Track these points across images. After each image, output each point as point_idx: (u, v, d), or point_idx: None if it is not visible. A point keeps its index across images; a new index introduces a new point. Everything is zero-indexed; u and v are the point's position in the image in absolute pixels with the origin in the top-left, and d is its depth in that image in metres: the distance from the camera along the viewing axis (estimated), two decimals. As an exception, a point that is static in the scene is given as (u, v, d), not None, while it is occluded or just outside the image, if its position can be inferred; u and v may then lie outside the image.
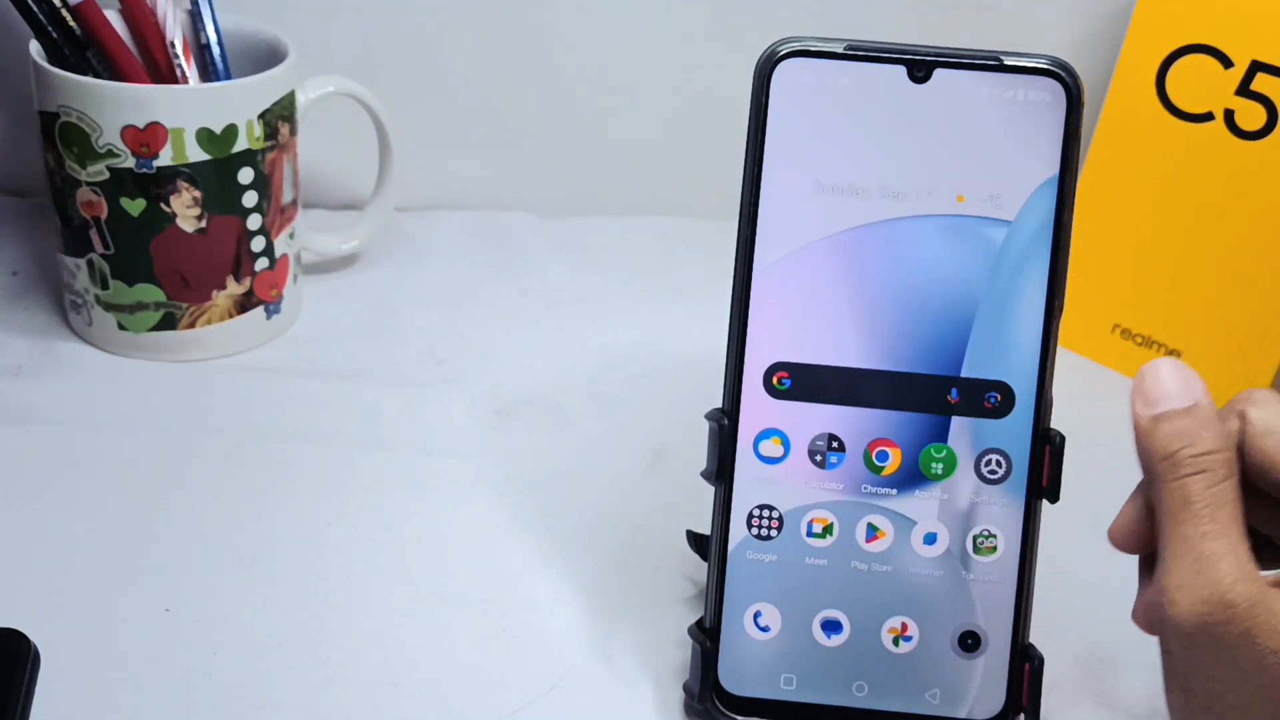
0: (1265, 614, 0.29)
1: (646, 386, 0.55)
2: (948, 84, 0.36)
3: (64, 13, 0.51)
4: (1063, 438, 0.36)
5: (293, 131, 0.53)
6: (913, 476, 0.37)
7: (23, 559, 0.42)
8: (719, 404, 0.37)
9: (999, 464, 0.37)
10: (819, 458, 0.37)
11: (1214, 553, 0.30)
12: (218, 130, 0.49)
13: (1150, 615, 0.32)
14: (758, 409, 0.37)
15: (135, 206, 0.50)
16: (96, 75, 0.51)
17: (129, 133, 0.48)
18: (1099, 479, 0.39)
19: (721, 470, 0.37)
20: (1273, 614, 0.29)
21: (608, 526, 0.46)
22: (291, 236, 0.55)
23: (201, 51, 0.53)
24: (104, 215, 0.50)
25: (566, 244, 0.66)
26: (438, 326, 0.58)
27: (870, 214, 0.36)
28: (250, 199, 0.51)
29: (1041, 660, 0.37)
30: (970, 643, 0.37)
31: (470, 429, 0.51)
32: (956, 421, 0.37)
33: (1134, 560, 0.35)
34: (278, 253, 0.54)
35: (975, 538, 0.37)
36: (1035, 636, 0.37)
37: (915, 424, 0.37)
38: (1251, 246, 0.54)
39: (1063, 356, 0.37)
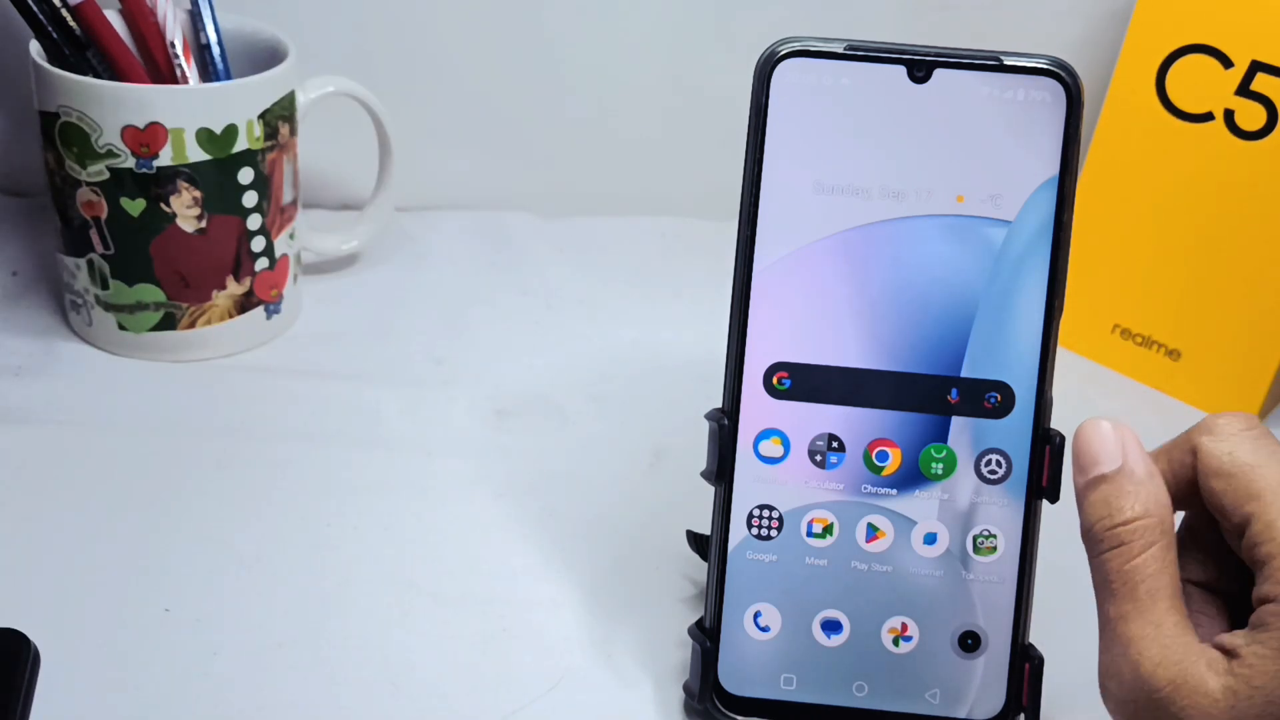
0: (1190, 697, 0.29)
1: (646, 386, 0.55)
2: (948, 84, 0.36)
3: (64, 13, 0.51)
4: (1063, 438, 0.36)
5: (293, 131, 0.53)
6: (913, 476, 0.37)
7: (23, 559, 0.42)
8: (719, 404, 0.37)
9: (999, 464, 0.37)
10: (819, 458, 0.37)
11: (1133, 636, 0.29)
12: (218, 130, 0.49)
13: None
14: (758, 409, 0.37)
15: (135, 206, 0.50)
16: (96, 75, 0.51)
17: (129, 133, 0.48)
18: (1099, 479, 0.39)
19: (721, 470, 0.37)
20: (1200, 695, 0.29)
21: (608, 526, 0.46)
22: (291, 236, 0.55)
23: (201, 51, 0.53)
24: (104, 215, 0.50)
25: (566, 244, 0.66)
26: (438, 326, 0.58)
27: (870, 214, 0.36)
28: (250, 199, 0.51)
29: (1041, 660, 0.37)
30: (970, 643, 0.37)
31: (470, 429, 0.51)
32: (956, 421, 0.37)
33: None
34: (278, 253, 0.54)
35: (975, 538, 0.37)
36: (1035, 636, 0.37)
37: (915, 424, 0.37)
38: (1251, 247, 0.54)
39: (1063, 356, 0.37)
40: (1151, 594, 0.30)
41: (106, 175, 0.49)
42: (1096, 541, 0.31)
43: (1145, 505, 0.30)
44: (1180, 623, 0.29)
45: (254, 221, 0.52)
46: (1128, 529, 0.30)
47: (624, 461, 0.50)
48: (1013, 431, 0.36)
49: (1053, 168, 0.36)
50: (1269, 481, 0.29)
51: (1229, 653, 0.29)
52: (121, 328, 0.52)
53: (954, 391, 0.36)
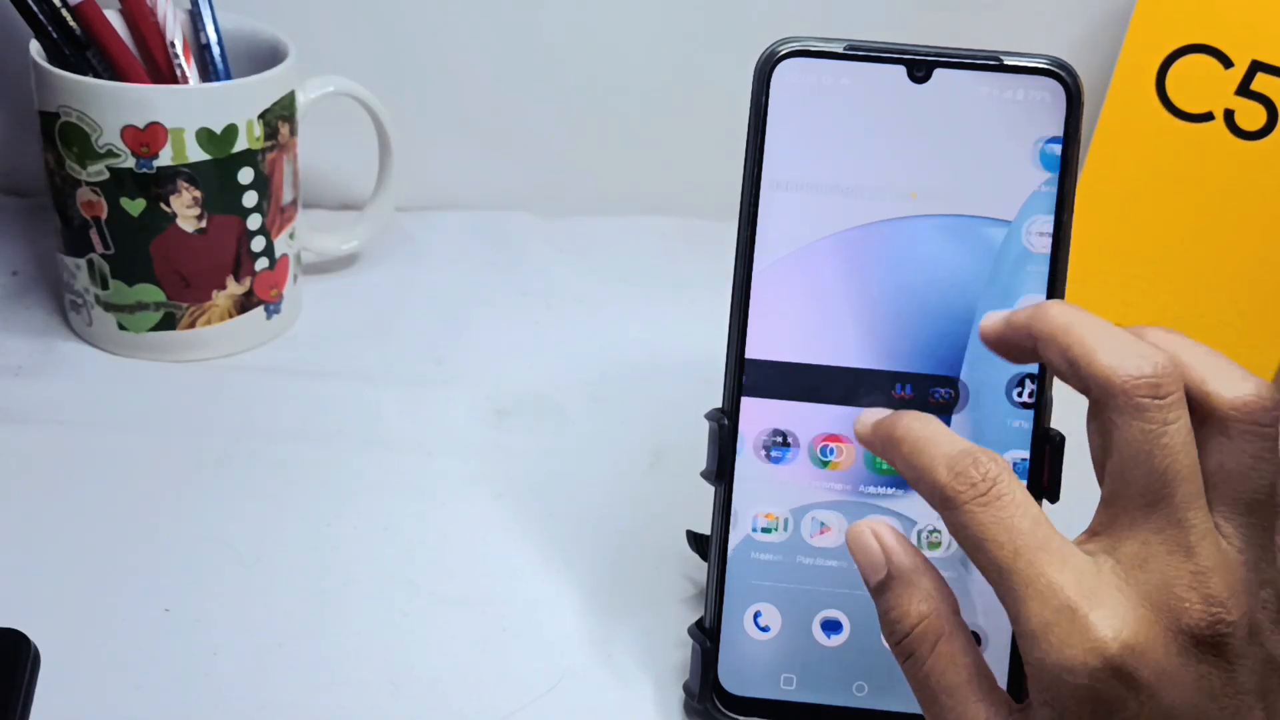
0: None
1: (646, 386, 0.55)
2: (948, 84, 0.36)
3: (64, 13, 0.51)
4: (1063, 438, 0.36)
5: (293, 131, 0.53)
6: (913, 476, 0.37)
7: (23, 559, 0.42)
8: (719, 404, 0.37)
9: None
10: (820, 457, 0.37)
11: None
12: (218, 130, 0.49)
13: None
14: (758, 409, 0.37)
15: (135, 206, 0.50)
16: (96, 75, 0.51)
17: (129, 133, 0.48)
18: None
19: (721, 470, 0.37)
20: None
21: (608, 526, 0.46)
22: (291, 236, 0.55)
23: (201, 51, 0.53)
24: (104, 215, 0.50)
25: (566, 244, 0.66)
26: (438, 326, 0.58)
27: (870, 214, 0.36)
28: (250, 199, 0.51)
29: (1041, 660, 0.37)
30: (970, 643, 0.37)
31: (470, 429, 0.51)
32: (957, 420, 0.36)
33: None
34: (278, 253, 0.54)
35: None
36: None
37: (915, 424, 0.37)
38: (1251, 246, 0.55)
39: (1063, 356, 0.37)
40: (949, 690, 0.30)
41: (106, 175, 0.49)
42: (894, 654, 0.31)
43: (919, 607, 0.31)
44: (980, 705, 0.29)
45: (254, 221, 0.52)
46: (910, 640, 0.31)
47: (624, 461, 0.50)
48: (1013, 431, 0.37)
49: (1053, 168, 0.36)
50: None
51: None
52: (121, 328, 0.52)
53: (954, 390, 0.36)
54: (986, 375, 0.36)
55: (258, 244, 0.53)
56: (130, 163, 0.49)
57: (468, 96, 0.65)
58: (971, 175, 0.36)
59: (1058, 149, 0.36)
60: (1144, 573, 0.28)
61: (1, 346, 0.53)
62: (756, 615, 0.37)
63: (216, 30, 0.54)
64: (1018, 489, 0.29)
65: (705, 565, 0.38)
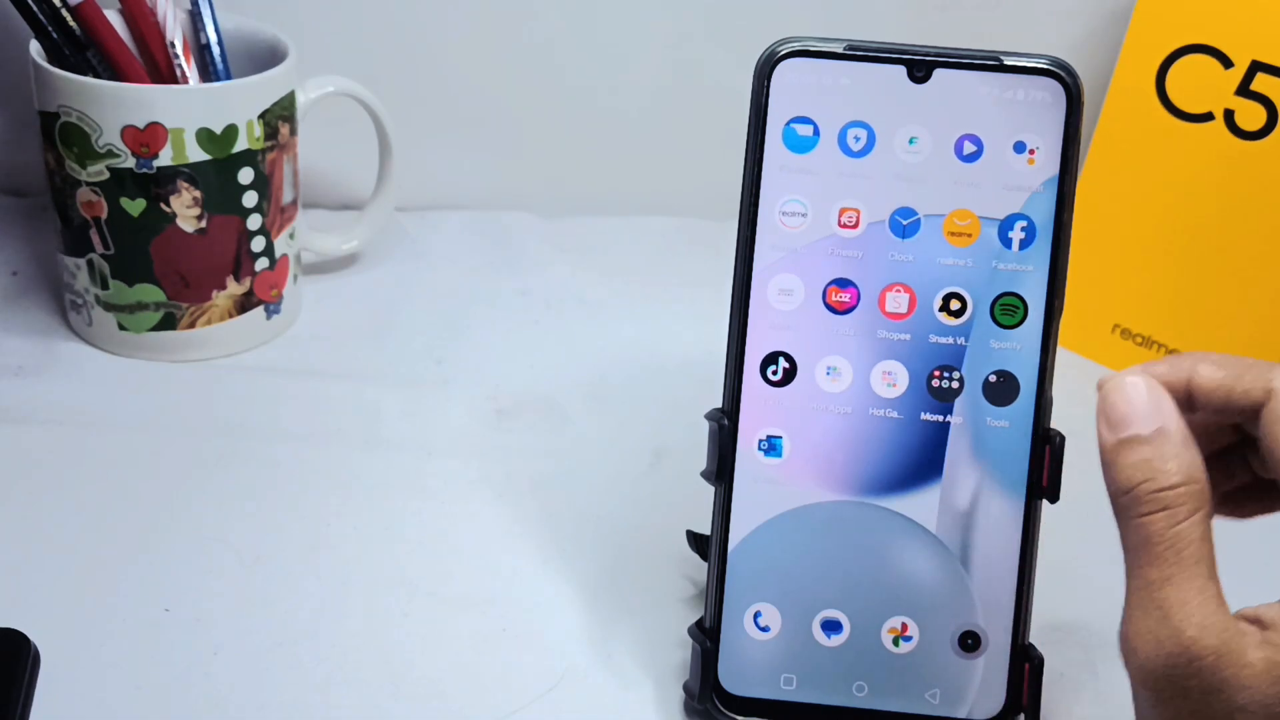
0: (1232, 667, 0.28)
1: (646, 386, 0.55)
2: (948, 84, 0.36)
3: (64, 13, 0.51)
4: (1063, 438, 0.36)
5: (293, 131, 0.53)
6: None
7: (23, 559, 0.42)
8: (719, 404, 0.37)
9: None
10: (819, 457, 0.37)
11: (1176, 600, 0.29)
12: (218, 130, 0.49)
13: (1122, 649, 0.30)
14: (758, 409, 0.37)
15: (135, 206, 0.50)
16: (96, 75, 0.51)
17: (129, 133, 0.48)
18: (1099, 479, 0.39)
19: (721, 470, 0.37)
20: (1241, 665, 0.28)
21: (608, 526, 0.46)
22: (291, 236, 0.55)
23: (201, 51, 0.53)
24: (104, 215, 0.50)
25: (566, 244, 0.66)
26: (438, 326, 0.58)
27: (870, 214, 0.36)
28: (250, 199, 0.51)
29: (1041, 660, 0.37)
30: (970, 643, 0.37)
31: (470, 429, 0.51)
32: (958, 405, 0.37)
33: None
34: (278, 253, 0.54)
35: (975, 537, 0.37)
36: (1035, 636, 0.37)
37: (915, 424, 0.37)
38: (1251, 246, 0.55)
39: (1063, 356, 0.37)
40: (1196, 560, 0.29)
41: (106, 175, 0.49)
42: (1138, 503, 0.30)
43: (1186, 472, 0.30)
44: (1219, 594, 0.29)
45: (254, 221, 0.52)
46: (1174, 493, 0.29)
47: (624, 461, 0.50)
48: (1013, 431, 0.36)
49: (1053, 168, 0.36)
50: None
51: (1261, 624, 0.29)
52: (121, 328, 0.52)
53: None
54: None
55: (258, 244, 0.53)
56: (130, 163, 0.49)
57: (468, 96, 0.65)
58: (971, 175, 0.36)
59: (1058, 150, 0.36)
60: None
61: (1, 346, 0.53)
62: (756, 615, 0.37)
63: (216, 30, 0.54)
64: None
65: (705, 565, 0.38)
